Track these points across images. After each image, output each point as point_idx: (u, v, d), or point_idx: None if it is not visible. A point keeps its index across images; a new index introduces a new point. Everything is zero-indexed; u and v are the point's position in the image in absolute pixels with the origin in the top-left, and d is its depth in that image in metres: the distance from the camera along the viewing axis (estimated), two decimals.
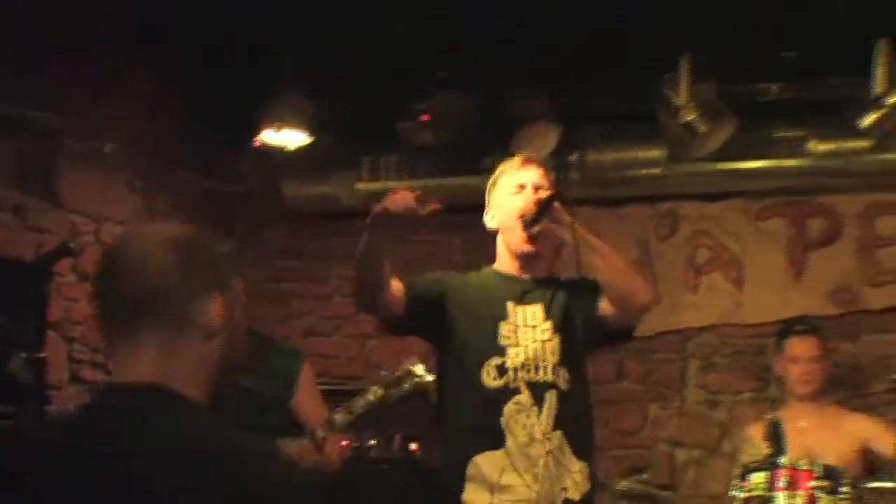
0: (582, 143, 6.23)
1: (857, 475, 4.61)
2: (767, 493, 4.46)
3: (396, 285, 3.55)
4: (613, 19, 5.41)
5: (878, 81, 5.38)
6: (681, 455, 6.49)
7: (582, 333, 3.64)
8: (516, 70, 5.98)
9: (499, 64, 5.94)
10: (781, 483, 4.46)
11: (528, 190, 3.62)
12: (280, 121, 6.04)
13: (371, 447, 5.75)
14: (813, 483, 4.42)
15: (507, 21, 5.48)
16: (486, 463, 3.50)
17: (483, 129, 6.14)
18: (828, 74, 5.78)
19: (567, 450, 3.54)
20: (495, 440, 3.49)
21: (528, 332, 3.59)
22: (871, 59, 5.39)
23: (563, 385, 3.54)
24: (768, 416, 4.73)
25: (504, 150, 5.87)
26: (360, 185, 6.56)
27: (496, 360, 3.54)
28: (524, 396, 3.52)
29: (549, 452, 3.49)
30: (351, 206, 6.56)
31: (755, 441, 4.91)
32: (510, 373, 3.53)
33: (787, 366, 5.40)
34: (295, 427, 4.05)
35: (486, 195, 3.83)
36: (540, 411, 3.52)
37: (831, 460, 4.74)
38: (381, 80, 6.16)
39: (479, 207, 5.52)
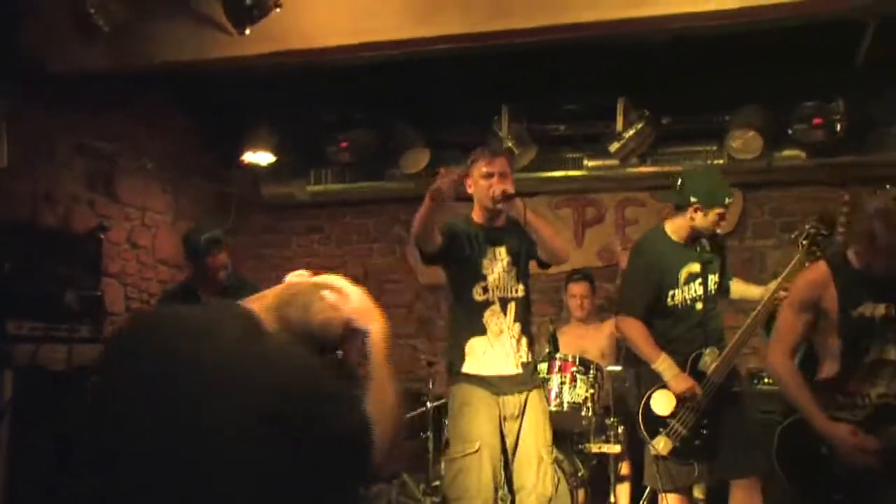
0: (445, 161, 5.85)
1: (601, 364, 4.82)
2: (547, 375, 4.67)
3: (437, 232, 3.68)
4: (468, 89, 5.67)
5: (619, 123, 5.60)
6: None
7: (527, 263, 3.77)
8: (402, 113, 6.20)
9: (392, 111, 6.19)
10: (556, 369, 4.68)
11: (495, 177, 3.68)
12: (256, 146, 6.14)
13: None
14: (573, 368, 4.65)
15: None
16: (476, 343, 3.65)
17: (380, 151, 6.24)
18: (593, 119, 5.93)
19: (521, 333, 3.72)
20: (480, 331, 3.66)
21: (498, 265, 3.69)
22: (615, 111, 5.57)
23: (520, 295, 3.72)
24: (550, 329, 4.86)
25: (394, 166, 6.18)
26: (308, 188, 6.58)
27: (481, 283, 3.68)
28: (496, 306, 3.68)
29: (511, 336, 3.67)
30: (304, 201, 6.67)
31: (543, 344, 4.99)
32: (489, 291, 3.68)
33: (569, 300, 5.69)
34: None
35: (468, 168, 3.79)
36: (505, 314, 3.68)
37: (595, 355, 5.04)
38: (318, 122, 6.37)
39: (380, 201, 5.69)
